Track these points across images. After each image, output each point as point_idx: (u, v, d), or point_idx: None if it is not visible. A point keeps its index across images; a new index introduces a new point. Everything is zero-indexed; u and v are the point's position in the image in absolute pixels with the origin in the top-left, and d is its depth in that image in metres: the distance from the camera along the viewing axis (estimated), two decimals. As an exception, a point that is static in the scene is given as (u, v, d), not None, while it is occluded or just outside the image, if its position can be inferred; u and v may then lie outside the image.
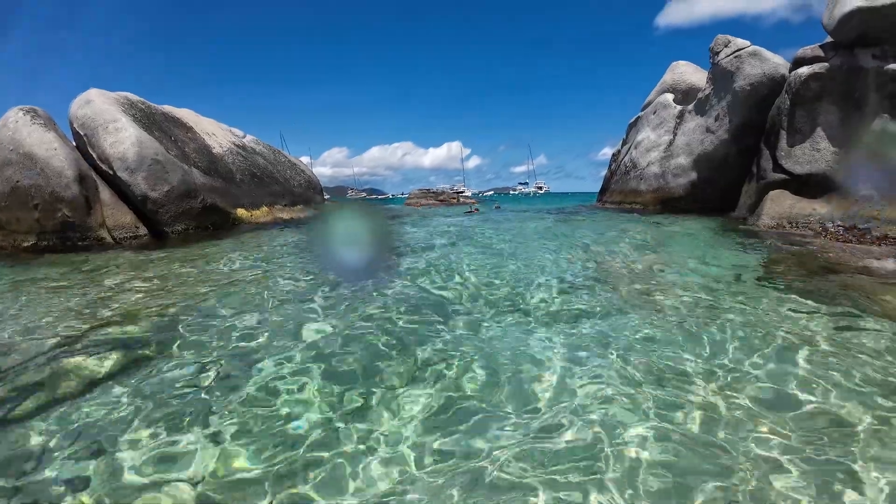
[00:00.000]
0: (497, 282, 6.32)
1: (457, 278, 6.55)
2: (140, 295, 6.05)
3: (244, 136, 18.35)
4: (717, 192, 14.94)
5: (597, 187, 24.43)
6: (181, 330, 4.57)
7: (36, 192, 10.80)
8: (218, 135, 16.22)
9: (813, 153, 11.36)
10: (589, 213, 18.41)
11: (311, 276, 6.92)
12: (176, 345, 4.20)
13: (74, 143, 12.19)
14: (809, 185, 11.42)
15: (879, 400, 3.00)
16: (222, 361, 3.83)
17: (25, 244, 10.83)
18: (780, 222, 11.43)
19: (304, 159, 29.80)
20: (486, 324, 4.68)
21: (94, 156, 11.81)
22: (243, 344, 4.20)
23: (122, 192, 11.92)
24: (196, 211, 12.71)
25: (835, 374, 3.35)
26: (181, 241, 11.35)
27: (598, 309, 4.97)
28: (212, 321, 4.81)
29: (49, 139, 11.28)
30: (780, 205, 11.74)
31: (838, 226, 10.59)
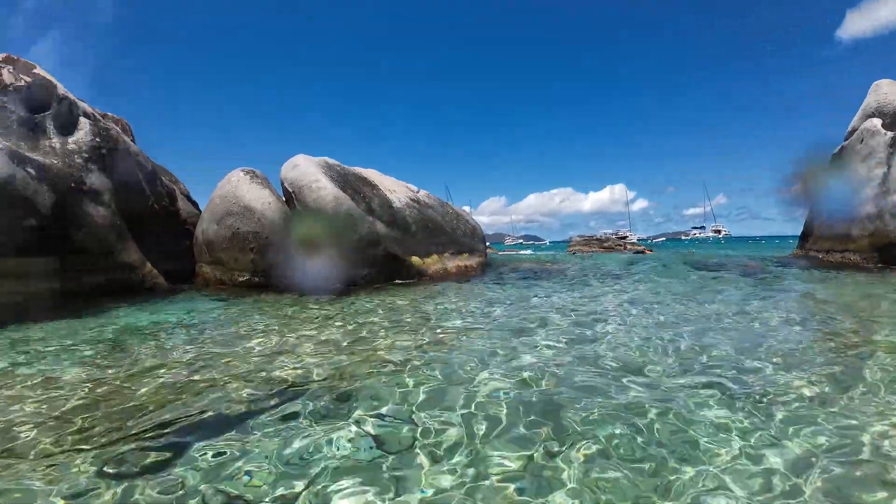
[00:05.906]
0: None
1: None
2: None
3: (418, 191, 19.67)
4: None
5: (788, 230, 21.61)
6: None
7: (253, 238, 12.71)
8: (397, 190, 17.61)
9: None
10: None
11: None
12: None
13: (284, 199, 14.16)
14: None
15: None
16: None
17: (241, 279, 12.90)
18: None
19: (466, 209, 31.00)
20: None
21: (300, 209, 13.54)
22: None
23: (320, 240, 13.43)
24: (379, 259, 13.79)
25: None
26: (363, 287, 12.39)
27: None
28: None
29: (265, 195, 13.27)
30: None
31: None
